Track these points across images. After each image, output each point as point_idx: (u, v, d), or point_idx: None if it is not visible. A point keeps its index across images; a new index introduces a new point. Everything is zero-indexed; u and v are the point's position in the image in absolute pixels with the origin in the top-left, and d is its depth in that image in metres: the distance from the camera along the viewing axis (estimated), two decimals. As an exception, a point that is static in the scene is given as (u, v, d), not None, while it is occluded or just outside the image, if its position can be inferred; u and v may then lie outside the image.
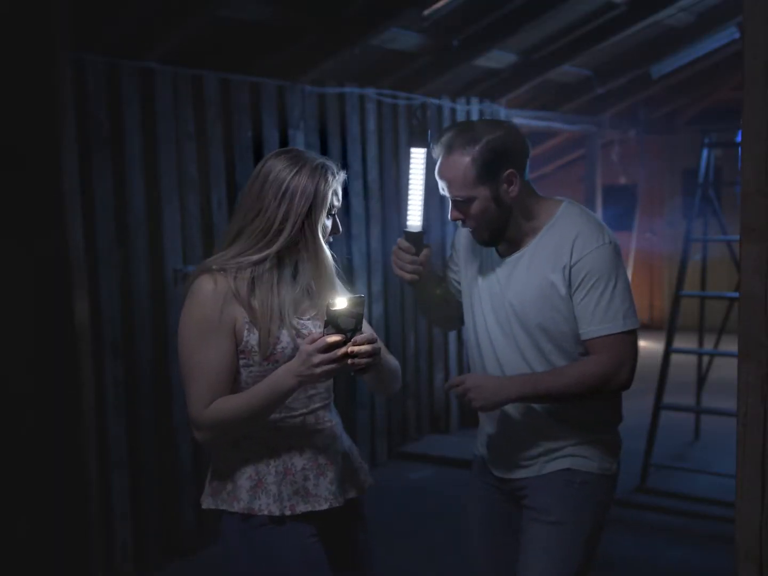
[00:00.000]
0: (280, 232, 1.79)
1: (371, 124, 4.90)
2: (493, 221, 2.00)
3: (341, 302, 1.67)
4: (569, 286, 1.97)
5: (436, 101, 5.32)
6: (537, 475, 2.07)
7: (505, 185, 1.98)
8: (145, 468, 3.63)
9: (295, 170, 1.80)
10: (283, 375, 1.73)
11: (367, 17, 4.02)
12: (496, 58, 5.25)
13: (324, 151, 4.59)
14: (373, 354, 1.72)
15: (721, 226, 5.02)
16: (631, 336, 1.97)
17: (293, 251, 1.82)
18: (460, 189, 1.97)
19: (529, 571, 2.04)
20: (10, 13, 3.02)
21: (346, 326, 1.68)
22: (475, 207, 1.98)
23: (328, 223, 1.86)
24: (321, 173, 1.81)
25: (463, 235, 2.22)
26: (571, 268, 1.97)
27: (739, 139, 3.05)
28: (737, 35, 6.18)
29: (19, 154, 3.10)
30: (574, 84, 6.52)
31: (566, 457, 2.06)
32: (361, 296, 1.71)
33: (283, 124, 4.28)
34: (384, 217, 5.00)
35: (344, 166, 4.98)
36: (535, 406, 2.06)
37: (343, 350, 1.68)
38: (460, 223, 2.06)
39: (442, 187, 2.02)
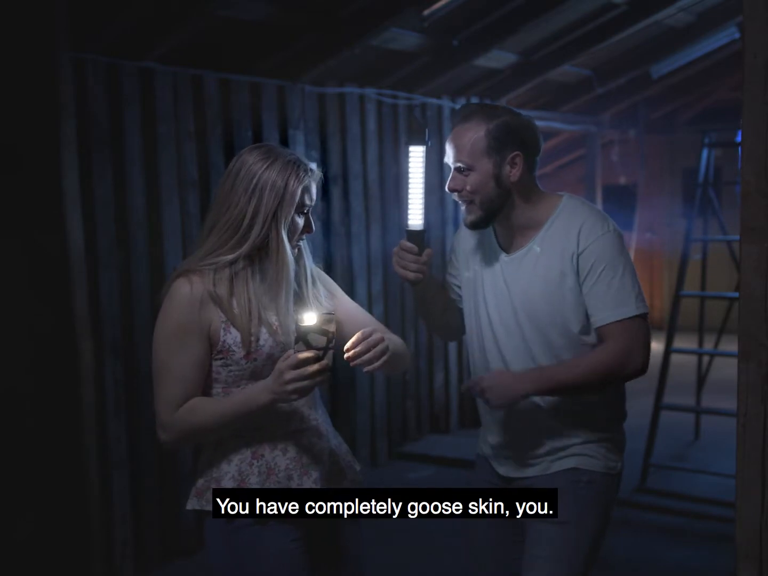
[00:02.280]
0: (250, 227, 1.78)
1: (371, 124, 4.89)
2: (488, 200, 2.01)
3: (310, 318, 1.65)
4: (577, 274, 1.99)
5: (436, 101, 5.32)
6: (543, 474, 2.07)
7: (508, 167, 2.00)
8: (145, 468, 3.63)
9: (266, 165, 1.79)
10: (257, 391, 1.73)
11: (367, 17, 4.02)
12: (496, 58, 5.25)
13: (324, 151, 4.59)
14: (369, 349, 1.73)
15: (721, 226, 5.03)
16: (643, 320, 1.99)
17: (263, 248, 1.81)
18: (466, 156, 1.99)
19: (536, 570, 2.03)
20: (9, 13, 3.02)
21: (316, 343, 1.65)
22: (474, 178, 2.00)
23: (300, 221, 1.84)
24: (292, 169, 1.80)
25: (461, 238, 2.22)
26: (578, 256, 1.98)
27: (739, 139, 3.05)
28: (737, 35, 6.18)
29: (19, 153, 3.10)
30: (574, 84, 6.52)
31: (572, 456, 2.06)
32: (330, 313, 1.70)
33: (283, 124, 4.28)
34: (384, 217, 5.00)
35: (344, 166, 5.01)
36: (542, 404, 2.06)
37: (315, 367, 1.66)
38: (463, 209, 2.06)
39: (449, 155, 2.04)
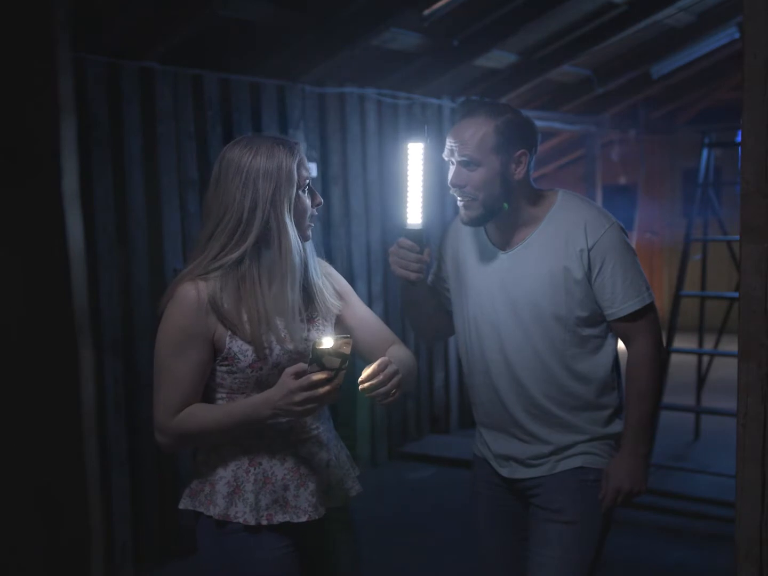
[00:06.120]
0: (251, 220, 1.73)
1: (371, 124, 4.90)
2: (491, 198, 1.98)
3: (328, 341, 1.62)
4: (588, 269, 1.98)
5: (436, 101, 5.32)
6: (549, 474, 2.06)
7: (513, 165, 1.99)
8: (145, 468, 3.63)
9: (252, 154, 1.74)
10: (260, 404, 1.69)
11: (367, 17, 4.02)
12: (496, 58, 5.25)
13: (324, 151, 4.59)
14: (386, 382, 1.70)
15: (721, 226, 5.03)
16: (654, 307, 2.05)
17: (266, 240, 1.75)
18: (474, 150, 1.96)
19: (544, 570, 2.03)
20: (9, 12, 3.02)
21: (330, 365, 1.63)
22: (480, 174, 1.97)
23: (306, 197, 1.81)
24: (279, 150, 1.75)
25: (448, 239, 2.19)
26: (589, 251, 1.98)
27: (739, 139, 3.05)
28: (737, 35, 6.18)
29: (18, 154, 3.10)
30: (574, 84, 6.52)
31: (578, 455, 2.05)
32: (347, 336, 1.67)
33: (283, 124, 4.28)
34: (384, 217, 5.00)
35: (344, 166, 5.00)
36: (544, 403, 2.04)
37: (326, 388, 1.63)
38: (461, 205, 2.03)
39: (452, 148, 1.99)
